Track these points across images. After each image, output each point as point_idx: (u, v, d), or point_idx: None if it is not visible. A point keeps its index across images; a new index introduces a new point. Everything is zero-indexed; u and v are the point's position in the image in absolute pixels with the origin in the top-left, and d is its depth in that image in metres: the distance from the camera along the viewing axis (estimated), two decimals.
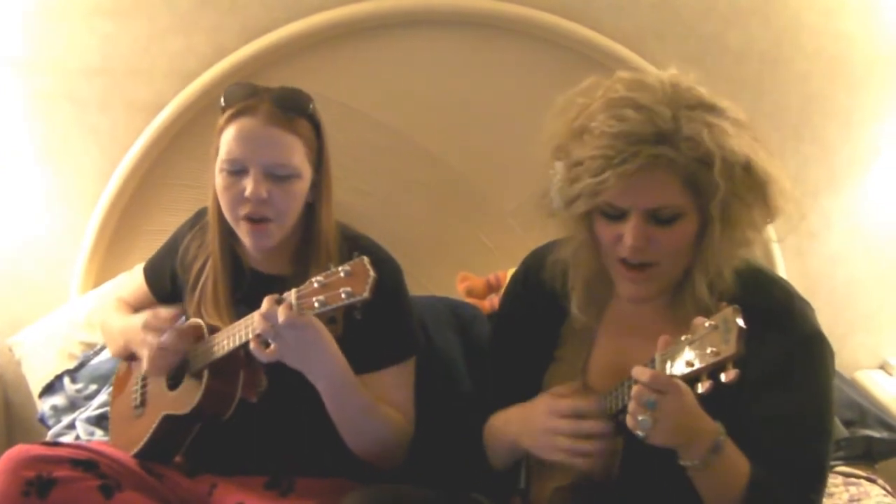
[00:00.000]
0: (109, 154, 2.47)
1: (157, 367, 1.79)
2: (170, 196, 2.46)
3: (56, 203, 2.53)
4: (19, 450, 1.67)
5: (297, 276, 1.67)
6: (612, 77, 1.55)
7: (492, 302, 2.29)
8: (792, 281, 1.67)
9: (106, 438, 2.07)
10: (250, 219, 1.74)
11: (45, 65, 2.44)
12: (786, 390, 1.51)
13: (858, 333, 2.58)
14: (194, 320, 1.80)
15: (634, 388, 1.40)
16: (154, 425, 1.78)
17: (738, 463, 1.47)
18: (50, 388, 2.30)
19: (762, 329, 1.41)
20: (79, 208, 2.51)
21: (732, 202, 1.47)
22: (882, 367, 2.60)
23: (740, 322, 1.30)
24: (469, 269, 2.41)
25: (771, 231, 1.62)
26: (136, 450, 1.80)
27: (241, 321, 1.66)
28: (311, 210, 1.81)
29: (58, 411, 2.26)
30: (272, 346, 1.61)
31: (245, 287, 1.82)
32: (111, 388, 2.08)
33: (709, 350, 1.32)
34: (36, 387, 2.34)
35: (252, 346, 1.62)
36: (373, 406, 1.72)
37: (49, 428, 2.26)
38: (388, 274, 1.78)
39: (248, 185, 1.71)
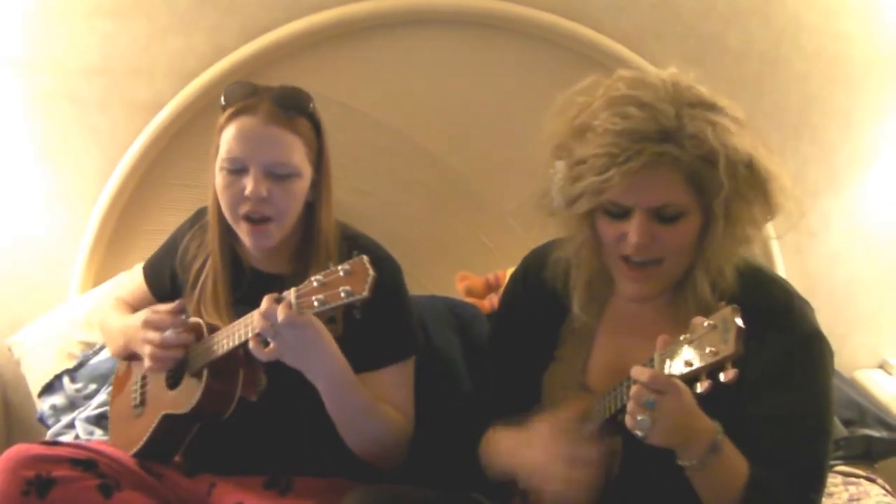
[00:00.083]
0: (109, 154, 2.47)
1: (158, 364, 1.78)
2: (169, 195, 2.46)
3: (56, 203, 2.53)
4: (19, 449, 1.67)
5: (297, 276, 1.67)
6: (613, 76, 1.55)
7: (491, 301, 2.29)
8: (791, 280, 1.67)
9: (105, 438, 2.07)
10: (250, 219, 1.74)
11: (45, 65, 2.44)
12: (785, 390, 1.51)
13: (858, 333, 2.59)
14: (194, 319, 1.80)
15: (633, 388, 1.40)
16: (153, 425, 1.78)
17: (736, 463, 1.47)
18: (49, 388, 2.30)
19: (761, 329, 1.41)
20: (78, 208, 2.51)
21: (734, 200, 1.47)
22: (881, 366, 2.60)
23: (739, 322, 1.30)
24: (469, 269, 2.41)
25: (770, 229, 1.62)
26: (135, 449, 1.80)
27: (241, 320, 1.66)
28: (311, 209, 1.81)
29: (57, 411, 2.26)
30: (271, 345, 1.61)
31: (245, 286, 1.82)
32: (110, 388, 2.08)
33: (708, 350, 1.32)
34: (35, 386, 2.34)
35: (251, 345, 1.62)
36: (372, 405, 1.72)
37: (48, 427, 2.26)
38: (388, 273, 1.78)
39: (249, 183, 1.71)
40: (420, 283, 2.32)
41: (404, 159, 2.47)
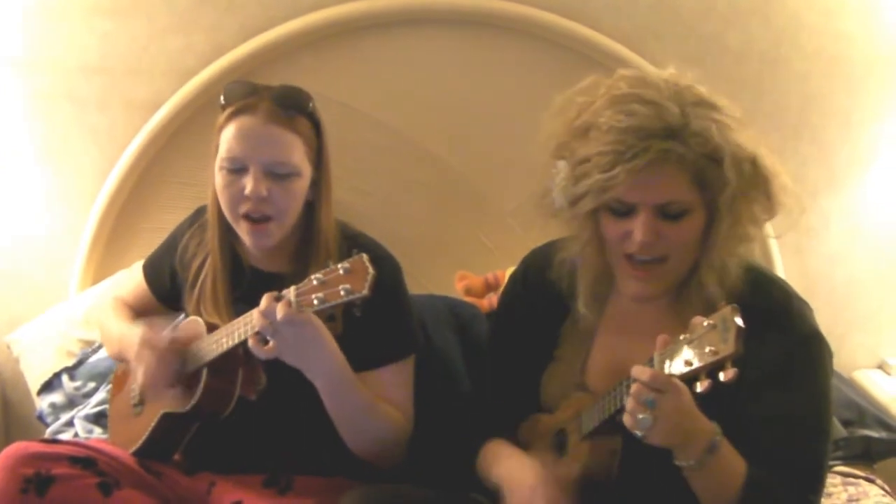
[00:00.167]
0: (108, 153, 2.47)
1: (150, 381, 1.78)
2: (168, 194, 2.46)
3: (55, 202, 2.52)
4: (18, 447, 1.67)
5: (297, 274, 1.67)
6: (614, 75, 1.55)
7: (490, 301, 2.29)
8: (791, 280, 1.67)
9: (105, 436, 2.07)
10: (250, 218, 1.74)
11: (45, 64, 2.44)
12: (784, 390, 1.51)
13: (857, 333, 2.59)
14: (193, 318, 1.80)
15: (634, 387, 1.39)
16: (153, 423, 1.78)
17: (733, 463, 1.47)
18: (48, 386, 2.30)
19: (761, 329, 1.41)
20: (78, 207, 2.51)
21: (737, 197, 1.48)
22: (881, 366, 2.60)
23: (739, 321, 1.30)
24: (469, 269, 2.41)
25: (769, 227, 1.62)
26: (134, 448, 1.80)
27: (240, 319, 1.66)
28: (311, 208, 1.81)
29: (56, 409, 2.26)
30: (271, 344, 1.60)
31: (244, 285, 1.82)
32: (110, 386, 2.08)
33: (707, 349, 1.32)
34: (34, 384, 2.33)
35: (251, 343, 1.62)
36: (372, 404, 1.72)
37: (47, 425, 2.26)
38: (388, 271, 1.78)
39: (248, 183, 1.71)
40: (420, 282, 2.32)
41: (404, 159, 2.47)
